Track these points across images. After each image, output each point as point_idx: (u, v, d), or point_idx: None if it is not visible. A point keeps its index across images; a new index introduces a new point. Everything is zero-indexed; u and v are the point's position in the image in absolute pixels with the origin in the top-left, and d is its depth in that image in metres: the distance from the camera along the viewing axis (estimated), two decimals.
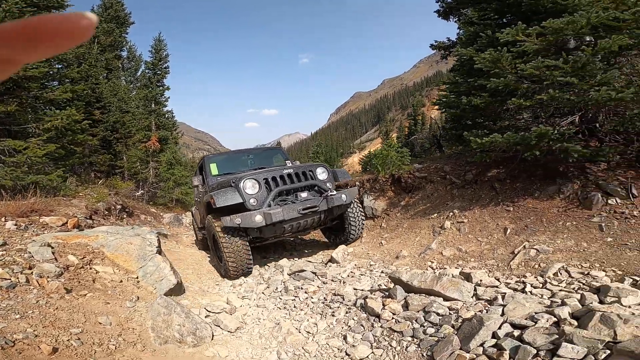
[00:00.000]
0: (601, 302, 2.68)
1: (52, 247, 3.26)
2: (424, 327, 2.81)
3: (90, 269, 3.35)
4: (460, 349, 2.36)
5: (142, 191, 15.88)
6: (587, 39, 3.33)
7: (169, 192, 17.57)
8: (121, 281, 3.51)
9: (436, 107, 5.93)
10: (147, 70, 18.12)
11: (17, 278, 2.50)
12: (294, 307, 3.77)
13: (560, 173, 4.13)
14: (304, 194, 5.01)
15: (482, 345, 2.34)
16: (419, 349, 2.57)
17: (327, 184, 5.23)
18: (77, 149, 9.68)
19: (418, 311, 3.06)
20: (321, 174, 5.31)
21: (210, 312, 3.75)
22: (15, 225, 4.01)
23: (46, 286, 2.53)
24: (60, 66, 9.43)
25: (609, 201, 3.76)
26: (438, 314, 2.93)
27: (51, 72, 8.55)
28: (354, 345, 2.79)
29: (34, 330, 1.88)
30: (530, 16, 3.81)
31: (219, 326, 3.38)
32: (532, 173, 4.48)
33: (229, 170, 6.28)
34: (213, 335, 3.05)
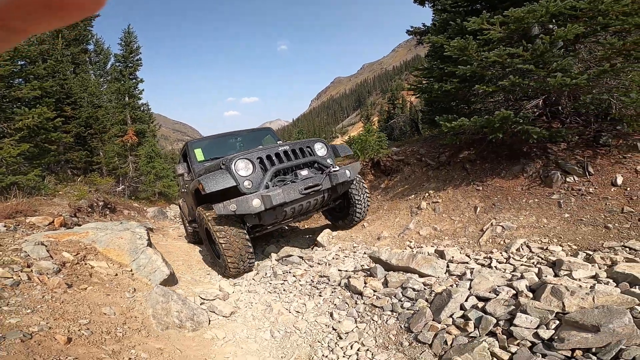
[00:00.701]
0: (556, 275, 2.90)
1: (46, 246, 3.37)
2: (401, 301, 3.06)
3: (86, 264, 3.48)
4: (433, 320, 2.59)
5: (122, 186, 15.68)
6: (550, 27, 3.58)
7: (151, 185, 17.39)
8: (116, 274, 3.65)
9: (411, 92, 6.14)
10: (117, 64, 17.59)
11: (19, 276, 2.62)
12: (284, 290, 4.01)
13: (524, 153, 4.43)
14: (303, 172, 4.45)
15: (451, 316, 2.55)
16: (398, 321, 2.81)
17: (328, 160, 4.74)
18: (52, 147, 9.52)
19: (396, 287, 3.31)
20: (320, 149, 4.82)
21: (204, 299, 3.96)
22: (5, 226, 4.07)
23: (48, 282, 2.67)
24: (23, 63, 9.14)
25: (567, 179, 4.07)
26: (414, 289, 3.17)
27: (15, 70, 8.29)
28: (339, 321, 3.04)
29: (47, 323, 2.05)
30: (497, 4, 4.02)
31: (214, 312, 3.60)
32: (499, 154, 4.76)
33: (216, 154, 5.61)
34: (210, 320, 3.28)
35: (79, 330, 2.12)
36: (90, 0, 0.24)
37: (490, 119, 3.77)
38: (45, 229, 4.54)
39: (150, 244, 4.53)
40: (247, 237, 4.38)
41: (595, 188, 4.02)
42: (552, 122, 4.30)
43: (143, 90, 17.29)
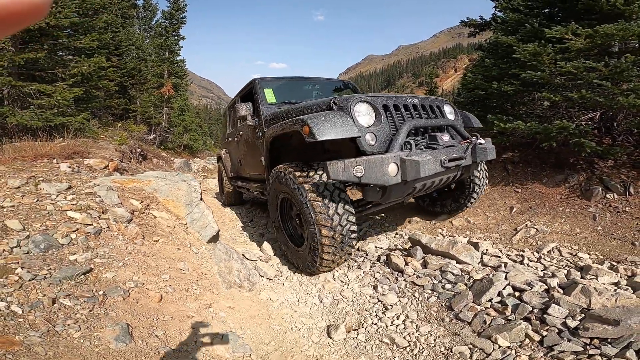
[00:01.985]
0: (582, 278, 3.03)
1: (115, 191, 3.29)
2: (442, 283, 3.12)
3: (149, 214, 3.41)
4: (473, 302, 2.71)
5: (154, 135, 15.57)
6: (633, 44, 3.25)
7: (179, 137, 17.28)
8: (174, 227, 3.61)
9: (452, 78, 5.75)
10: (163, 20, 16.99)
11: (99, 223, 2.56)
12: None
13: (570, 164, 4.23)
14: (445, 137, 3.10)
15: (490, 300, 2.70)
16: (438, 300, 2.88)
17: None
18: (99, 93, 9.38)
19: (435, 270, 3.36)
20: (449, 113, 3.52)
21: (248, 259, 3.93)
22: (69, 167, 3.98)
23: (125, 232, 2.60)
24: (75, 15, 8.82)
25: (607, 195, 3.96)
26: (453, 274, 3.24)
27: (79, 22, 8.01)
28: (383, 294, 3.05)
29: (139, 278, 1.99)
30: (582, 15, 3.63)
31: (258, 273, 3.58)
32: (544, 160, 4.56)
33: (290, 99, 4.33)
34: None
35: (165, 286, 2.07)
36: (35, 9, 0.23)
37: (548, 127, 3.52)
38: (105, 172, 4.45)
39: (202, 198, 4.43)
40: (355, 219, 2.96)
41: (631, 207, 3.95)
42: (604, 138, 4.05)
43: (182, 47, 16.79)
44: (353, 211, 2.90)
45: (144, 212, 3.28)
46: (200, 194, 4.37)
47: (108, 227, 2.57)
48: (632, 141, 3.89)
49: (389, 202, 3.14)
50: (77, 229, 2.43)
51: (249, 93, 4.65)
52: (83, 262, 2.05)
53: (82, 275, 1.91)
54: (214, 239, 4.16)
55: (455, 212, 4.51)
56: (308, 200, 2.77)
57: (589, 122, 3.77)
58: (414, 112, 3.12)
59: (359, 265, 3.69)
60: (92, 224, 2.50)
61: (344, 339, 2.38)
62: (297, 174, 2.95)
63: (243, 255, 3.97)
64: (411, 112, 3.10)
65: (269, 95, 4.30)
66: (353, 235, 2.95)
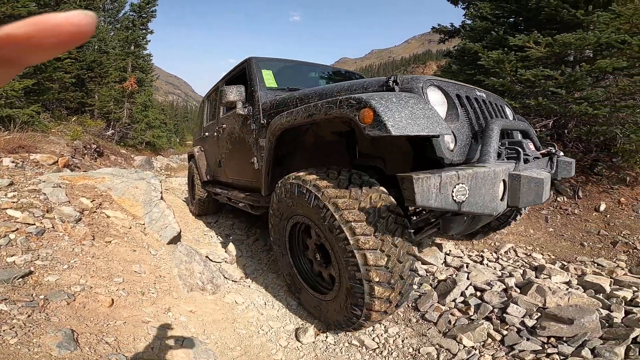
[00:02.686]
0: (537, 277, 3.21)
1: (63, 189, 3.03)
2: None
3: (102, 213, 3.18)
4: (438, 302, 2.79)
5: (112, 131, 14.69)
6: (587, 54, 3.52)
7: (141, 134, 16.47)
8: (130, 227, 3.39)
9: None
10: (131, 13, 16.21)
11: (42, 223, 2.33)
12: None
13: None
14: (531, 145, 2.40)
15: (454, 301, 2.78)
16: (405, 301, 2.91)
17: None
18: (53, 85, 8.69)
19: None
20: (510, 115, 2.93)
21: (212, 261, 3.78)
22: (13, 162, 3.62)
23: (73, 232, 2.39)
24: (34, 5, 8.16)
25: (558, 198, 4.28)
26: (418, 275, 3.29)
27: (31, 12, 7.38)
28: None
29: (86, 282, 1.82)
30: (545, 24, 3.88)
31: (223, 275, 3.45)
32: None
33: (293, 85, 3.44)
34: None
35: (117, 290, 1.92)
36: (80, 30, 0.23)
37: None
38: (54, 168, 4.11)
39: (162, 197, 4.21)
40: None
41: (580, 210, 4.27)
42: (556, 144, 4.35)
43: (149, 41, 16.07)
44: (413, 239, 1.95)
45: (95, 212, 3.04)
46: (161, 192, 4.14)
47: (53, 227, 2.34)
48: (582, 148, 4.22)
49: (457, 231, 2.27)
50: (17, 229, 2.19)
51: (241, 75, 3.73)
52: (22, 265, 1.85)
53: (21, 279, 1.71)
54: (175, 240, 3.94)
55: (495, 230, 4.02)
56: (349, 230, 1.75)
57: (543, 129, 4.05)
58: (484, 109, 2.31)
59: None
60: (34, 224, 2.27)
61: (313, 342, 2.34)
62: (330, 189, 1.86)
63: (207, 257, 3.80)
64: (481, 108, 2.28)
65: (268, 78, 3.41)
66: (415, 279, 2.40)
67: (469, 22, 5.64)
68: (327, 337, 2.41)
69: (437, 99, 2.00)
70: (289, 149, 2.72)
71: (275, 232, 2.70)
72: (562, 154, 2.65)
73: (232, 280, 3.38)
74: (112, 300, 1.75)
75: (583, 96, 3.29)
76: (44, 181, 3.03)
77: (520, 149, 2.10)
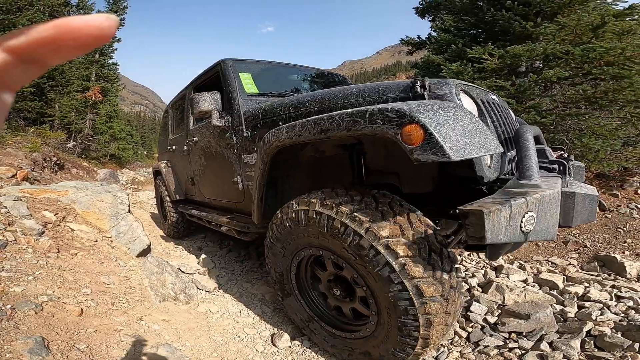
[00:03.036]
0: (496, 277, 3.44)
1: (24, 202, 2.92)
2: None
3: (65, 226, 3.09)
4: None
5: (74, 143, 14.02)
6: (537, 64, 3.88)
7: (105, 146, 15.85)
8: (96, 240, 3.30)
9: None
10: None
11: (4, 236, 2.25)
12: (260, 270, 3.94)
13: None
14: (554, 154, 2.37)
15: None
16: None
17: None
18: None
19: None
20: (513, 117, 2.64)
21: (184, 272, 3.73)
22: None
23: (36, 245, 2.32)
24: None
25: None
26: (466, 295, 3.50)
27: None
28: None
29: (53, 292, 1.78)
30: (500, 36, 4.22)
31: (196, 286, 3.42)
32: None
33: (276, 89, 3.15)
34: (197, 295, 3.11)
35: (85, 300, 1.89)
36: (102, 32, 0.24)
37: None
38: (12, 181, 3.91)
39: (130, 210, 4.13)
40: None
41: None
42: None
43: (116, 49, 15.60)
44: (456, 260, 1.77)
45: (59, 225, 2.95)
46: (129, 205, 4.07)
47: (15, 240, 2.26)
48: None
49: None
50: None
51: (213, 80, 3.27)
52: None
53: None
54: (145, 252, 3.86)
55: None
56: (396, 261, 1.49)
57: None
58: (502, 114, 2.07)
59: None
60: None
61: (289, 347, 2.38)
62: (363, 216, 1.57)
63: (178, 268, 3.76)
64: (499, 114, 2.03)
65: (248, 82, 2.94)
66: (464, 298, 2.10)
67: (434, 34, 5.98)
68: (302, 341, 2.46)
69: (469, 107, 1.71)
70: (284, 168, 2.27)
71: (276, 269, 2.31)
72: (572, 158, 2.30)
73: (206, 291, 3.36)
74: (82, 309, 1.72)
75: (532, 105, 3.62)
76: (4, 194, 2.90)
77: (565, 162, 1.93)
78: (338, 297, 2.05)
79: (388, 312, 1.63)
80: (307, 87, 3.66)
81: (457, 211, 1.28)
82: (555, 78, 3.51)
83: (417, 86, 1.63)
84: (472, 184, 1.75)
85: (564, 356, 2.06)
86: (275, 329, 2.64)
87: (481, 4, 4.12)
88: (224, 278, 3.81)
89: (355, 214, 1.57)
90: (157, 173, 5.35)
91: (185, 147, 3.94)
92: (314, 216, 1.74)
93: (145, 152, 35.18)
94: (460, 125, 1.31)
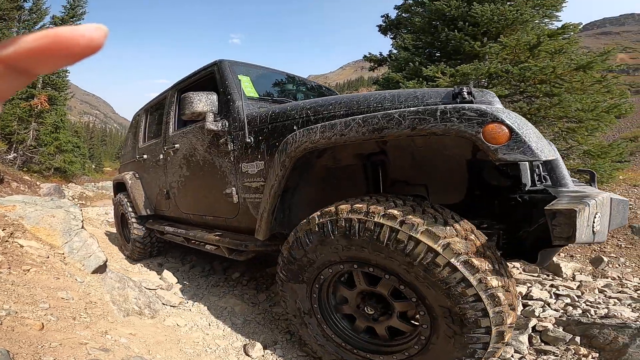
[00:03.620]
0: None
1: None
2: None
3: (14, 242, 2.89)
4: None
5: (14, 154, 12.87)
6: (484, 82, 4.30)
7: (49, 158, 14.74)
8: (48, 257, 3.12)
9: None
10: (50, 25, 14.80)
11: None
12: (227, 284, 3.91)
13: None
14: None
15: None
16: None
17: None
18: None
19: None
20: None
21: (146, 288, 3.60)
22: None
23: None
24: None
25: None
26: None
27: None
28: None
29: (10, 307, 1.68)
30: (452, 55, 4.62)
31: (160, 301, 3.32)
32: None
33: (276, 95, 3.17)
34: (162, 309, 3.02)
35: (45, 315, 1.80)
36: (92, 43, 0.24)
37: None
38: None
39: (84, 226, 3.93)
40: None
41: None
42: None
43: None
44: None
45: (7, 241, 2.75)
46: (82, 221, 3.90)
47: None
48: None
49: None
50: None
51: (206, 82, 3.08)
52: None
53: None
54: (101, 269, 3.67)
55: None
56: (470, 273, 1.40)
57: None
58: None
59: (267, 287, 3.76)
60: None
61: (262, 356, 2.40)
62: (440, 232, 1.44)
63: (141, 284, 3.63)
64: None
65: (247, 86, 2.81)
66: None
67: (395, 51, 6.37)
68: (274, 350, 2.49)
69: None
70: (298, 177, 2.08)
71: (291, 293, 2.02)
72: None
73: (171, 306, 3.27)
74: (42, 324, 1.64)
75: None
76: None
77: (594, 171, 2.10)
78: (371, 316, 1.83)
79: (449, 325, 1.48)
80: (302, 97, 3.52)
81: (545, 211, 1.26)
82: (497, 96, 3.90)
83: (465, 93, 1.60)
84: (507, 193, 1.73)
85: (516, 351, 2.27)
86: (248, 339, 2.64)
87: (437, 24, 4.52)
88: (189, 293, 3.73)
89: (429, 228, 1.42)
90: (118, 186, 4.91)
91: (162, 156, 3.63)
92: (372, 228, 1.51)
93: (93, 166, 33.03)
94: (531, 129, 1.33)
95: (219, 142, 2.66)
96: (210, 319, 2.99)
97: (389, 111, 1.50)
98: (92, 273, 3.32)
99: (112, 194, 5.42)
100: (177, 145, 3.31)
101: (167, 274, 4.06)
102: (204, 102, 2.48)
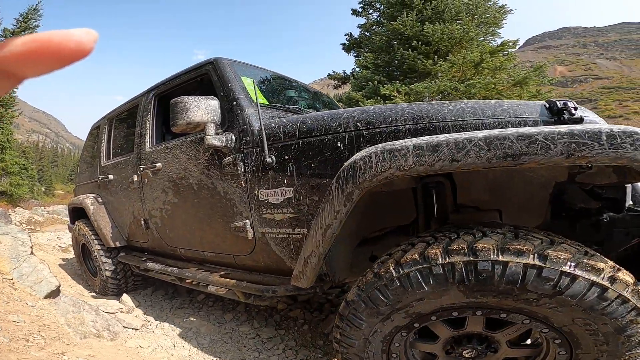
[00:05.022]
0: None
1: None
2: (310, 311, 3.50)
3: None
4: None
5: None
6: (437, 98, 4.67)
7: None
8: None
9: None
10: (1, 39, 14.14)
11: None
12: (192, 306, 3.87)
13: None
14: None
15: None
16: (310, 327, 3.21)
17: None
18: None
19: (304, 302, 3.72)
20: None
21: (105, 312, 3.50)
22: None
23: None
24: None
25: None
26: (319, 302, 3.64)
27: None
28: (260, 328, 3.19)
29: None
30: (408, 73, 4.98)
31: (120, 324, 3.24)
32: None
33: (281, 101, 2.77)
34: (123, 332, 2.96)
35: None
36: (81, 47, 0.24)
37: None
38: None
39: (33, 252, 3.81)
40: None
41: None
42: None
43: None
44: None
45: None
46: (31, 247, 3.79)
47: None
48: None
49: None
50: None
51: (196, 85, 2.66)
52: None
53: None
54: (54, 294, 3.54)
55: None
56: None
57: None
58: None
59: (233, 307, 3.78)
60: None
61: None
62: (602, 263, 1.30)
63: (98, 307, 3.52)
64: None
65: (252, 90, 2.25)
66: None
67: (357, 70, 6.71)
68: None
69: None
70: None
71: (363, 348, 1.60)
72: None
73: (132, 328, 3.21)
74: None
75: None
76: None
77: None
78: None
79: (598, 346, 1.35)
80: (303, 104, 3.06)
81: None
82: None
83: (571, 108, 1.47)
84: (596, 215, 1.63)
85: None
86: (215, 359, 2.66)
87: (394, 43, 4.87)
88: (152, 315, 3.67)
89: (588, 261, 1.27)
90: (76, 212, 4.31)
91: (136, 178, 3.04)
92: (521, 270, 1.27)
93: (43, 189, 31.08)
94: None
95: (223, 161, 2.14)
96: (175, 339, 2.96)
97: (523, 131, 1.25)
98: (44, 298, 3.21)
99: (67, 219, 5.02)
100: (159, 164, 2.73)
101: (126, 297, 3.96)
102: (203, 109, 1.95)
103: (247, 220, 2.10)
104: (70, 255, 6.59)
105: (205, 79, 2.47)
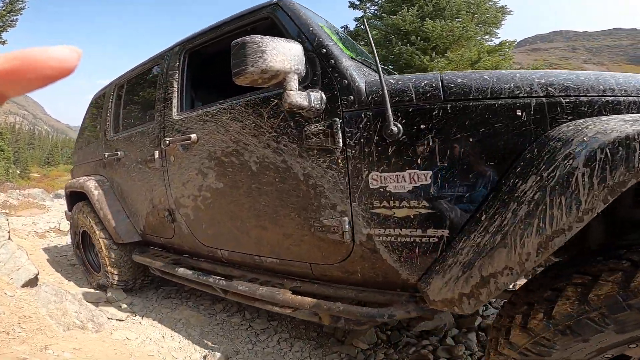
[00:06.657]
0: None
1: None
2: None
3: None
4: None
5: None
6: None
7: None
8: None
9: None
10: None
11: None
12: (180, 296, 3.73)
13: None
14: None
15: None
16: None
17: None
18: None
19: None
20: None
21: (87, 302, 3.32)
22: None
23: None
24: None
25: None
26: None
27: None
28: (252, 319, 3.10)
29: None
30: (404, 68, 4.91)
31: (105, 315, 3.07)
32: None
33: (354, 53, 1.88)
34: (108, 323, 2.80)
35: None
36: (65, 65, 0.24)
37: None
38: None
39: (10, 237, 3.56)
40: None
41: None
42: None
43: None
44: None
45: None
46: (9, 232, 3.55)
47: None
48: None
49: None
50: None
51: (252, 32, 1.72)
52: None
53: None
54: (32, 282, 3.35)
55: None
56: None
57: None
58: None
59: (222, 297, 3.67)
60: None
61: None
62: None
63: (80, 297, 3.33)
64: None
65: (335, 40, 1.70)
66: None
67: None
68: (237, 359, 2.43)
69: None
70: None
71: None
72: None
73: (117, 319, 3.04)
74: None
75: None
76: None
77: None
78: None
79: None
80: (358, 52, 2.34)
81: None
82: None
83: None
84: None
85: (467, 348, 2.47)
86: (207, 350, 2.55)
87: (392, 37, 4.80)
88: (138, 306, 3.50)
89: None
90: (75, 197, 3.66)
91: (157, 154, 2.37)
92: None
93: (18, 172, 29.79)
94: None
95: (306, 130, 1.56)
96: (164, 331, 2.83)
97: None
98: (22, 287, 3.00)
99: (44, 203, 4.74)
100: (194, 135, 2.07)
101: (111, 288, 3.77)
102: (283, 53, 1.35)
103: (345, 217, 1.51)
104: (47, 241, 6.28)
105: (259, 27, 1.87)
